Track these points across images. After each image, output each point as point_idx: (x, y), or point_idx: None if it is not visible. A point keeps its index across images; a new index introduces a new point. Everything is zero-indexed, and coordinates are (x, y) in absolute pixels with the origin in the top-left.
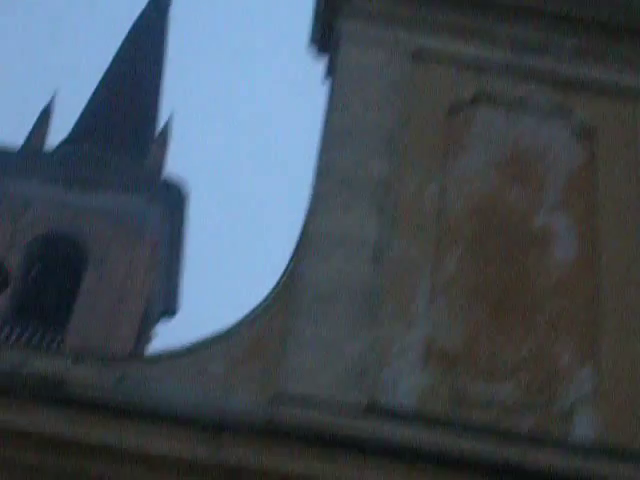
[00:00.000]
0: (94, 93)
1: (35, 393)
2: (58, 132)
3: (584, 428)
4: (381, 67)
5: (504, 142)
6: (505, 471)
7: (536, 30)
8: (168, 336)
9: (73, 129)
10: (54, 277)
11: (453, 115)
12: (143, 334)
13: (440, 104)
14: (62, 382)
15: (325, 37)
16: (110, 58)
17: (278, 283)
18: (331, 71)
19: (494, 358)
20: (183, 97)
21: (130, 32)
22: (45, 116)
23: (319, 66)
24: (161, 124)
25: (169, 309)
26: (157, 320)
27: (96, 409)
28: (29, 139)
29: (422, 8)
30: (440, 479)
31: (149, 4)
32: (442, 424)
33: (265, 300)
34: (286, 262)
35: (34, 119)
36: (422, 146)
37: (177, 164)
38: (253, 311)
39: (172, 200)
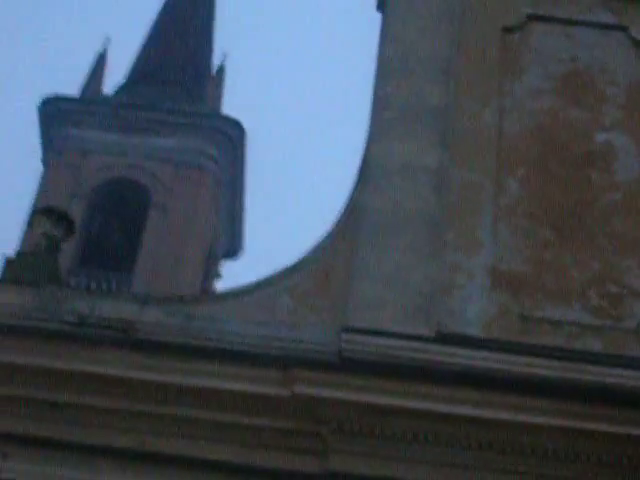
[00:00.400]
0: (147, 37)
1: (105, 338)
2: (114, 78)
3: None
4: None
5: (561, 60)
6: (576, 392)
7: None
8: (233, 277)
9: (128, 74)
10: (118, 223)
11: (508, 36)
12: (208, 276)
13: (494, 26)
14: (131, 326)
15: None
16: (161, 1)
17: (341, 215)
18: (382, 3)
19: (561, 280)
20: (236, 37)
21: None
22: (100, 63)
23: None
24: (215, 64)
25: (233, 249)
26: (222, 260)
27: (166, 351)
28: (85, 87)
29: None
30: (512, 403)
31: None
32: (511, 348)
33: (329, 233)
34: (347, 194)
35: (89, 66)
36: (478, 70)
37: (233, 104)
38: (318, 245)
39: (231, 139)
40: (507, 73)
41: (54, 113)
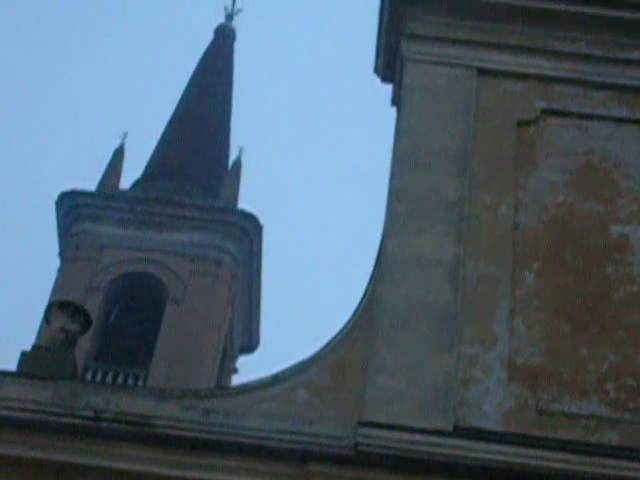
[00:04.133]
0: (164, 132)
1: (121, 433)
2: (131, 173)
3: None
4: (447, 86)
5: (576, 153)
6: None
7: (602, 40)
8: (250, 371)
9: (145, 169)
10: (134, 317)
11: (522, 130)
12: (224, 370)
13: (509, 119)
14: (147, 420)
15: (389, 66)
16: (178, 96)
17: (357, 309)
18: (397, 98)
19: (577, 373)
20: (252, 131)
21: (196, 69)
22: (117, 158)
23: (384, 95)
24: (231, 158)
25: (249, 343)
26: (238, 355)
27: (182, 446)
28: (103, 181)
29: (484, 26)
30: None
31: (214, 41)
32: (528, 442)
33: (345, 327)
34: (364, 288)
35: (106, 162)
36: (493, 163)
37: (250, 197)
38: (334, 339)
39: (247, 233)
40: (522, 166)
41: (71, 208)
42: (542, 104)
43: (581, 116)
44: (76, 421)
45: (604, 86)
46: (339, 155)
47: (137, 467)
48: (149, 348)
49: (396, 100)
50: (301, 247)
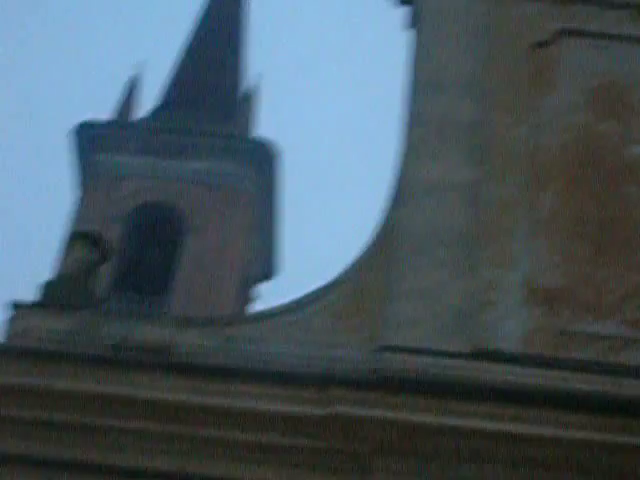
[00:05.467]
0: (179, 61)
1: (143, 361)
2: (147, 103)
3: None
4: (463, 10)
5: (593, 74)
6: (614, 406)
7: None
8: (270, 298)
9: (161, 98)
10: (153, 247)
11: (538, 52)
12: (245, 297)
13: (524, 42)
14: (168, 349)
15: None
16: (193, 25)
17: (375, 233)
18: (414, 21)
19: (597, 294)
20: (271, 59)
21: None
22: (133, 88)
23: (402, 18)
24: (250, 85)
25: (269, 269)
26: (258, 282)
27: (203, 373)
28: (119, 112)
29: None
30: (550, 418)
31: None
32: (548, 363)
33: (364, 252)
34: (381, 212)
35: (122, 91)
36: (509, 86)
37: (269, 122)
38: (352, 264)
39: (265, 159)
40: (540, 88)
41: (89, 138)
42: (558, 25)
43: (597, 36)
44: (99, 350)
45: (620, 5)
46: (355, 80)
47: (159, 395)
48: (169, 277)
49: (413, 24)
50: (320, 173)
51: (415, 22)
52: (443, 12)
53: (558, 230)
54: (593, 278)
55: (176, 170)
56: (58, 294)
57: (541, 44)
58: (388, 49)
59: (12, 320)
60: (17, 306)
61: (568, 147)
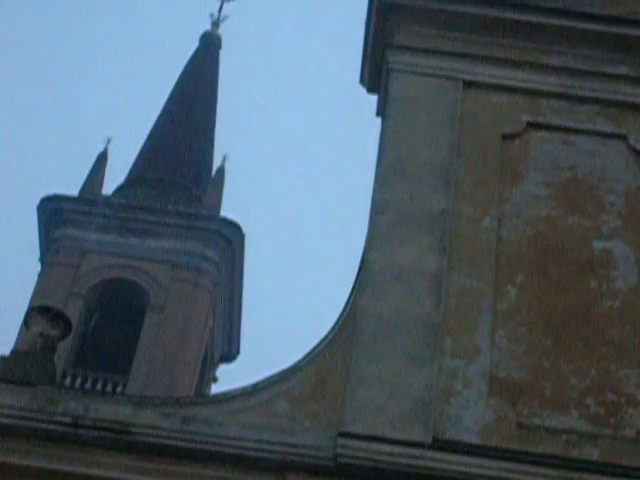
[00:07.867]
0: (148, 138)
1: (99, 440)
2: (114, 179)
3: None
4: (432, 98)
5: (561, 167)
6: None
7: (589, 55)
8: (230, 380)
9: (128, 175)
10: (114, 324)
11: (507, 143)
12: (204, 379)
13: (494, 132)
14: (126, 428)
15: (374, 76)
16: (163, 103)
17: (338, 319)
18: (382, 109)
19: (558, 387)
20: (237, 139)
21: (182, 76)
22: (101, 163)
23: (370, 105)
24: (215, 166)
25: (230, 352)
26: (218, 364)
27: (161, 453)
28: (85, 187)
29: (471, 38)
30: None
31: (199, 48)
32: (508, 456)
33: (326, 337)
34: (345, 298)
35: (89, 167)
36: (477, 176)
37: (232, 205)
38: (314, 349)
39: (229, 242)
40: (507, 179)
41: (53, 212)
42: (528, 118)
43: (567, 130)
44: (54, 427)
45: (590, 100)
46: (323, 165)
47: (115, 474)
48: (129, 355)
49: (381, 111)
50: (284, 256)
51: (383, 109)
52: (410, 100)
53: (521, 322)
54: (554, 371)
55: (140, 248)
56: (16, 369)
57: (510, 136)
58: (361, 134)
59: None
60: None
61: (534, 240)
